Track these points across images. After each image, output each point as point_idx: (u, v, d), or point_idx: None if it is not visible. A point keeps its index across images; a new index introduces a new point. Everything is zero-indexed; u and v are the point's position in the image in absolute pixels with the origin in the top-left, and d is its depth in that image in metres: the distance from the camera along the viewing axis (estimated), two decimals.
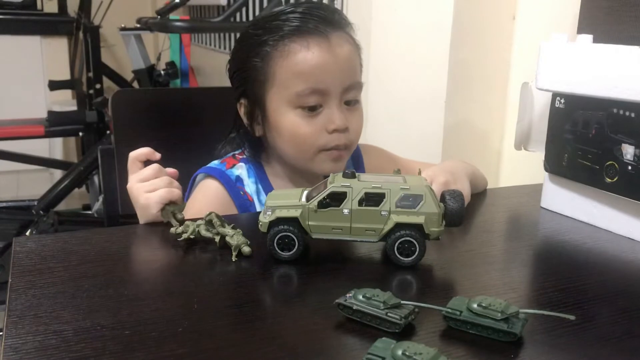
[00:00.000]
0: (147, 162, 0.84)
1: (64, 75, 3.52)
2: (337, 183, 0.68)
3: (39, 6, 3.85)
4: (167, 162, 0.86)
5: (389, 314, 0.54)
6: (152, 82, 2.88)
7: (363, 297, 0.56)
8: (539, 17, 1.32)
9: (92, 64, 2.93)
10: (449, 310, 0.55)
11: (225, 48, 3.25)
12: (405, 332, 0.54)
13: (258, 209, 0.95)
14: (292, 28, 0.88)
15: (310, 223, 0.69)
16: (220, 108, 1.22)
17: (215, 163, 0.99)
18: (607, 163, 0.82)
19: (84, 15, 2.97)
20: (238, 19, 2.89)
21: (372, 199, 0.68)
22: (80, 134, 3.02)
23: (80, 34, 3.01)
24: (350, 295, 0.57)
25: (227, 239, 0.71)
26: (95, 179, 2.94)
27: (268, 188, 0.96)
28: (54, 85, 3.29)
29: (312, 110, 0.88)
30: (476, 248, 0.79)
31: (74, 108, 3.20)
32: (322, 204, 0.68)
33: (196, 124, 1.21)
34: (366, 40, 1.63)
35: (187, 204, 0.88)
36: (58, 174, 3.23)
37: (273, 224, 0.69)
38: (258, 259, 0.71)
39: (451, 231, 0.76)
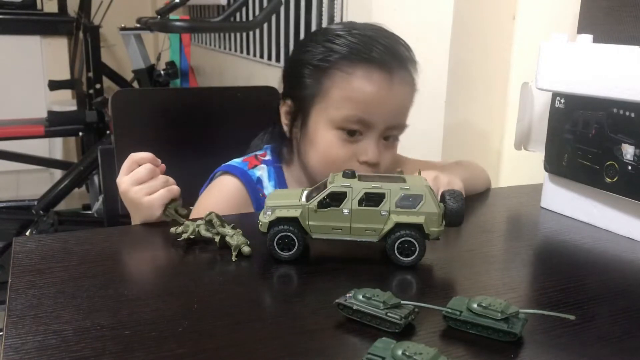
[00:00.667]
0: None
1: (64, 75, 3.52)
2: (337, 183, 0.68)
3: (39, 6, 3.85)
4: (167, 162, 0.86)
5: (389, 314, 0.54)
6: (152, 82, 2.87)
7: (363, 297, 0.56)
8: (539, 17, 1.33)
9: (92, 64, 2.93)
10: (449, 310, 0.55)
11: (225, 48, 3.25)
12: (405, 332, 0.54)
13: None
14: (359, 50, 0.86)
15: (310, 223, 0.69)
16: (220, 108, 1.22)
17: (237, 161, 0.98)
18: (607, 163, 0.82)
19: (84, 15, 2.97)
20: (238, 19, 2.89)
21: (372, 199, 0.68)
22: (80, 134, 3.02)
23: (80, 34, 3.01)
24: (350, 295, 0.57)
25: (227, 239, 0.71)
26: (95, 179, 2.94)
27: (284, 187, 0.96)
28: (54, 85, 3.29)
29: (351, 135, 0.88)
30: (476, 248, 0.79)
31: (74, 108, 3.20)
32: (322, 204, 0.68)
33: (196, 124, 1.21)
34: None
35: (200, 199, 0.87)
36: (58, 174, 3.23)
37: (273, 224, 0.69)
38: (258, 259, 0.71)
39: (451, 231, 0.76)
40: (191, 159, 1.16)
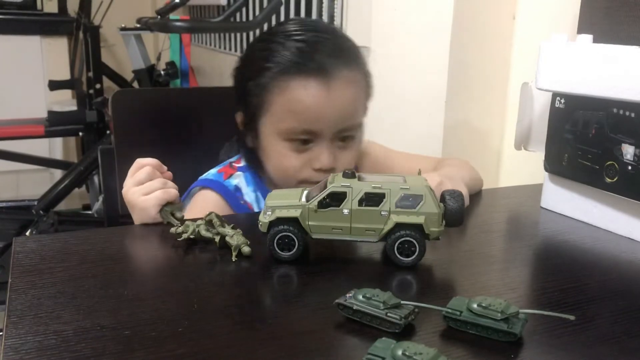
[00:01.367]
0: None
1: (64, 75, 3.52)
2: (337, 183, 0.68)
3: (39, 6, 3.84)
4: (167, 162, 0.86)
5: (389, 314, 0.54)
6: (152, 82, 2.87)
7: (363, 297, 0.56)
8: (539, 17, 1.32)
9: (92, 64, 2.93)
10: (449, 310, 0.55)
11: (225, 48, 3.25)
12: (405, 332, 0.54)
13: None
14: (294, 61, 0.85)
15: (310, 223, 0.69)
16: (220, 108, 1.22)
17: (212, 173, 0.98)
18: (607, 163, 0.82)
19: (84, 15, 2.97)
20: (238, 19, 2.89)
21: (372, 199, 0.68)
22: (80, 134, 3.02)
23: (80, 34, 3.01)
24: (350, 295, 0.57)
25: (227, 239, 0.71)
26: (95, 179, 2.94)
27: (265, 193, 0.95)
28: (54, 85, 3.29)
29: (303, 143, 0.87)
30: (476, 248, 0.79)
31: (74, 108, 3.20)
32: (322, 204, 0.68)
33: (196, 124, 1.21)
34: (366, 40, 1.63)
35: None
36: (58, 174, 3.23)
37: (273, 224, 0.69)
38: (258, 259, 0.71)
39: (451, 231, 0.76)
40: (191, 159, 1.16)
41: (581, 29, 1.18)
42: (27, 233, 2.46)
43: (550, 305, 0.62)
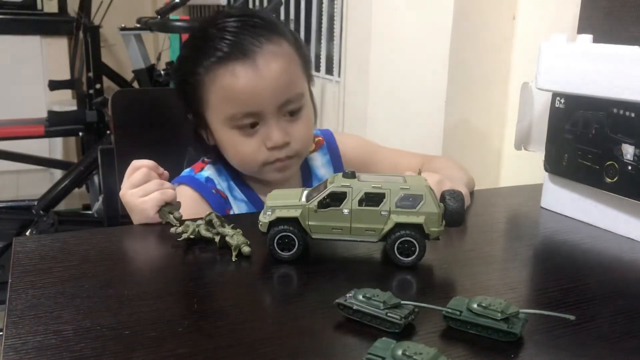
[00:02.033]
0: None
1: (64, 75, 3.52)
2: (337, 183, 0.68)
3: (39, 6, 3.84)
4: (167, 162, 0.86)
5: (389, 314, 0.54)
6: (152, 82, 2.87)
7: (363, 297, 0.56)
8: (539, 17, 1.33)
9: (92, 64, 2.93)
10: (449, 310, 0.55)
11: None
12: (405, 332, 0.54)
13: (233, 205, 0.95)
14: (218, 53, 0.87)
15: (310, 223, 0.69)
16: None
17: (185, 172, 1.00)
18: (607, 163, 0.82)
19: (84, 15, 2.97)
20: None
21: (372, 199, 0.68)
22: (80, 134, 3.02)
23: (80, 34, 3.01)
24: (350, 295, 0.57)
25: (227, 239, 0.71)
26: (95, 179, 2.94)
27: (240, 184, 0.97)
28: (54, 85, 3.29)
29: (250, 128, 0.88)
30: (476, 248, 0.79)
31: (74, 108, 3.20)
32: (322, 204, 0.68)
33: None
34: (366, 40, 1.63)
35: None
36: (58, 174, 3.23)
37: (273, 224, 0.69)
38: (258, 259, 0.71)
39: (451, 231, 0.76)
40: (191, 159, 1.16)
41: (581, 29, 1.18)
42: (27, 233, 2.46)
43: (550, 305, 0.62)
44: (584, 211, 0.88)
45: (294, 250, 0.69)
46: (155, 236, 0.78)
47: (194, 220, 0.76)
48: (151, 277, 0.69)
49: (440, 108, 1.45)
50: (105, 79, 3.11)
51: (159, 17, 2.44)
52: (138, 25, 2.75)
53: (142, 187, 0.80)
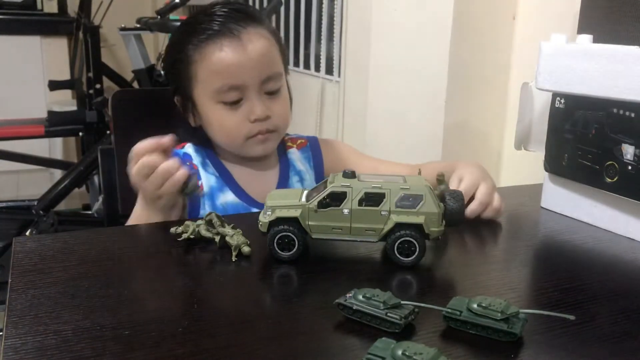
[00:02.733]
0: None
1: (64, 75, 3.51)
2: (337, 183, 0.68)
3: (39, 6, 3.84)
4: None
5: (389, 314, 0.54)
6: (152, 82, 2.87)
7: (363, 297, 0.56)
8: (539, 17, 1.33)
9: (92, 64, 2.92)
10: (449, 310, 0.55)
11: None
12: (405, 332, 0.54)
13: (202, 176, 0.98)
14: (208, 32, 0.96)
15: (310, 223, 0.69)
16: None
17: None
18: (607, 163, 0.82)
19: (84, 15, 2.97)
20: None
21: (372, 199, 0.68)
22: (80, 134, 3.01)
23: (80, 34, 3.01)
24: (350, 295, 0.57)
25: (227, 239, 0.71)
26: (95, 179, 2.94)
27: (215, 161, 1.01)
28: (54, 85, 3.29)
29: (235, 103, 0.95)
30: (476, 248, 0.79)
31: (74, 108, 3.20)
32: (322, 204, 0.68)
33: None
34: (366, 40, 1.63)
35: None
36: (58, 174, 3.23)
37: (273, 224, 0.69)
38: (258, 259, 0.71)
39: (451, 231, 0.76)
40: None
41: (581, 29, 1.18)
42: (27, 233, 2.45)
43: (550, 305, 0.62)
44: (584, 211, 0.88)
45: (294, 250, 0.69)
46: (155, 236, 0.78)
47: (194, 220, 0.76)
48: (151, 277, 0.69)
49: (440, 108, 1.45)
50: (105, 79, 3.10)
51: (158, 17, 2.44)
52: (138, 26, 2.75)
53: (152, 182, 0.82)
